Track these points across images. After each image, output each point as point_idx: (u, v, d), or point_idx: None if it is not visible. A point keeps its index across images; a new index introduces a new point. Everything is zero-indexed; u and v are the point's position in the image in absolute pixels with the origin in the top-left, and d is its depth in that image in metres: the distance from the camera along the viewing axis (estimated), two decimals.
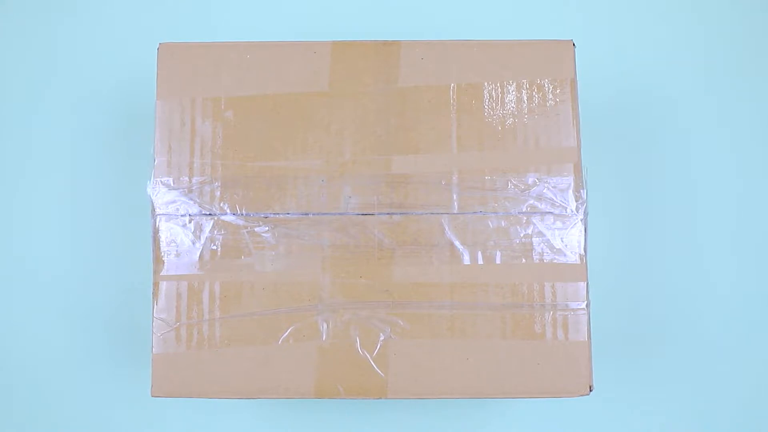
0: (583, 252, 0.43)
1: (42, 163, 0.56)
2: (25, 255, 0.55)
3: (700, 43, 0.59)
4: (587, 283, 0.42)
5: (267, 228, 0.43)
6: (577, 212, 0.43)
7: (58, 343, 0.55)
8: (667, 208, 0.57)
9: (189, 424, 0.54)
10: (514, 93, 0.44)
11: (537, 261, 0.43)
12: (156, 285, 0.42)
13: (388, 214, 0.43)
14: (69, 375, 0.55)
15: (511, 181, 0.43)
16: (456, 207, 0.43)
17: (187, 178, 0.43)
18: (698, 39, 0.59)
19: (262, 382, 0.42)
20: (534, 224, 0.43)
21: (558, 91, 0.44)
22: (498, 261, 0.43)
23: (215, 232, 0.43)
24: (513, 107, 0.44)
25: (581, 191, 0.43)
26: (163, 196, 0.43)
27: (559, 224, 0.43)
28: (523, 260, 0.43)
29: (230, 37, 0.56)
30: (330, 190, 0.43)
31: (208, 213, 0.43)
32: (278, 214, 0.43)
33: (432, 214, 0.43)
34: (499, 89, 0.44)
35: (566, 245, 0.43)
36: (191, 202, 0.43)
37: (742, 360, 0.55)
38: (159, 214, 0.43)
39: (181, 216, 0.43)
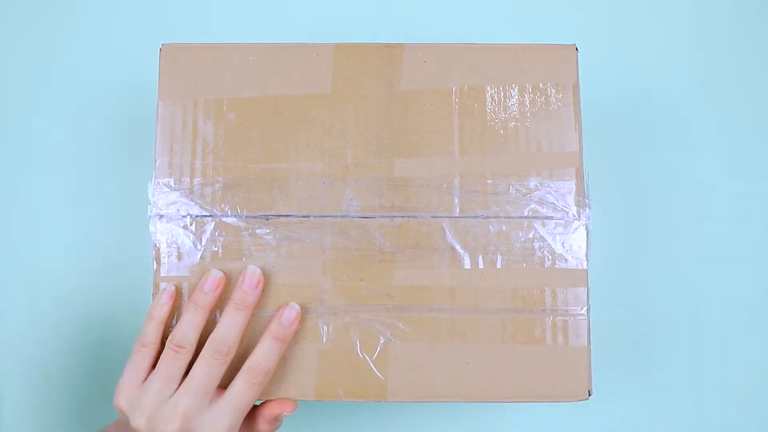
0: (584, 257, 0.43)
1: (43, 164, 0.56)
2: (25, 256, 0.55)
3: (702, 47, 0.59)
4: (588, 288, 0.42)
5: (268, 230, 0.43)
6: (579, 217, 0.43)
7: (57, 343, 0.55)
8: (669, 213, 0.57)
9: None
10: (516, 97, 0.44)
11: (538, 266, 0.43)
12: (156, 285, 0.42)
13: (389, 217, 0.43)
14: (68, 374, 0.55)
15: (512, 185, 0.43)
16: (457, 210, 0.43)
17: (188, 179, 0.43)
18: (700, 43, 0.59)
19: None
20: (535, 229, 0.43)
21: (560, 95, 0.44)
22: (499, 265, 0.43)
23: (216, 233, 0.43)
24: (515, 111, 0.44)
25: (583, 196, 0.43)
26: (164, 197, 0.43)
27: (560, 229, 0.43)
28: (524, 265, 0.43)
29: (233, 38, 0.56)
30: (331, 192, 0.43)
31: (209, 214, 0.43)
32: (279, 216, 0.43)
33: (433, 217, 0.43)
34: (502, 93, 0.44)
35: (567, 250, 0.43)
36: (192, 204, 0.43)
37: (742, 365, 0.55)
38: (160, 215, 0.43)
39: (182, 217, 0.43)
